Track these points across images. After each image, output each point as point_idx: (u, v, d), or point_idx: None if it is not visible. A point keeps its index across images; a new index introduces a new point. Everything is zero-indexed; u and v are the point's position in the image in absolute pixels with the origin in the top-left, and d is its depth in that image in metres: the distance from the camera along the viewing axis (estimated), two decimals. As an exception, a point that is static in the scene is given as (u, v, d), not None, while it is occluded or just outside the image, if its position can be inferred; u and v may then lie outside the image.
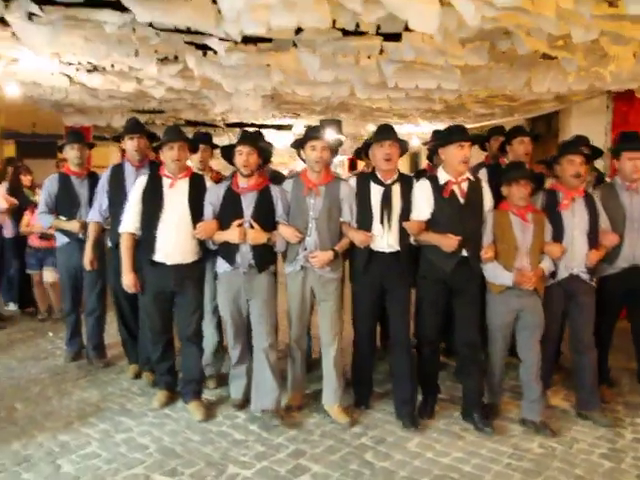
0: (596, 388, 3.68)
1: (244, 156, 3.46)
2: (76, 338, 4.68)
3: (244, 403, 3.72)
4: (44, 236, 5.51)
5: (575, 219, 3.61)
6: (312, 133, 3.57)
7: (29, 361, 4.62)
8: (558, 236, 3.58)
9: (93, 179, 4.41)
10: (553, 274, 3.60)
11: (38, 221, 4.85)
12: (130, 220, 3.64)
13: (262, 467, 3.04)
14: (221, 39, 4.02)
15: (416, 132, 11.25)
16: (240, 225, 3.46)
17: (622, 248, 3.74)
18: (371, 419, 3.63)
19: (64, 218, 4.40)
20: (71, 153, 4.49)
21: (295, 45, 4.43)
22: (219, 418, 3.63)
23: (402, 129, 10.20)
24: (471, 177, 3.56)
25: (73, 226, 4.35)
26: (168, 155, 3.58)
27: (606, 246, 3.67)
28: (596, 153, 3.99)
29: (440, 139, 3.78)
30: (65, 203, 4.43)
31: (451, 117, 9.09)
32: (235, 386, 3.81)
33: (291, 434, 3.41)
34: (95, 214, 4.13)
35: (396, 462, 3.11)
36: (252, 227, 3.48)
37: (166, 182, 3.62)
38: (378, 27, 3.93)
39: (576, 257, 3.58)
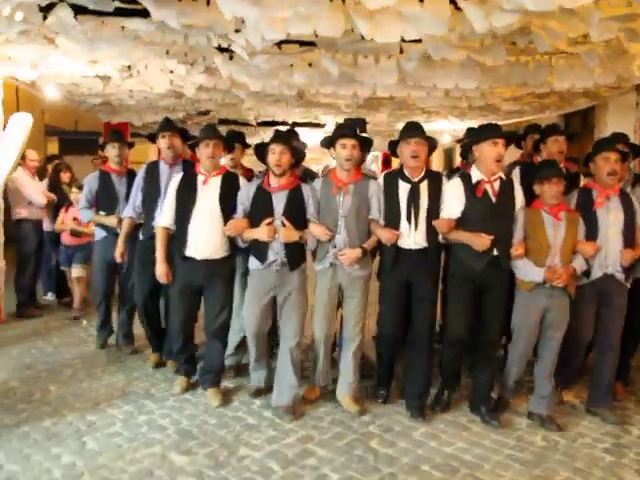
0: (611, 388, 3.68)
1: (277, 155, 3.51)
2: (106, 326, 4.94)
3: (263, 390, 3.87)
4: (74, 233, 5.78)
5: (610, 218, 3.55)
6: (342, 131, 3.61)
7: (63, 347, 4.92)
8: (592, 235, 3.54)
9: (131, 176, 4.60)
10: (587, 273, 3.56)
11: (80, 215, 5.13)
12: (165, 215, 3.80)
13: (271, 450, 3.21)
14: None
15: (448, 129, 11.26)
16: (270, 223, 3.51)
17: None
18: (380, 408, 3.75)
19: (103, 213, 4.65)
20: (112, 152, 4.72)
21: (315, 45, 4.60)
22: (235, 404, 3.81)
23: (433, 126, 10.24)
24: (503, 176, 3.55)
25: (111, 221, 4.57)
26: (203, 152, 3.68)
27: None
28: (636, 151, 3.97)
29: (473, 136, 3.84)
30: (105, 199, 4.67)
31: (482, 115, 9.07)
32: (256, 375, 3.93)
33: (302, 421, 3.56)
34: (129, 210, 4.32)
35: (400, 449, 3.24)
36: (284, 225, 3.53)
37: (200, 179, 3.72)
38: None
39: (611, 256, 3.54)
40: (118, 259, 4.43)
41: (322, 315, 3.70)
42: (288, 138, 3.66)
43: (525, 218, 3.52)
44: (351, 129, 3.66)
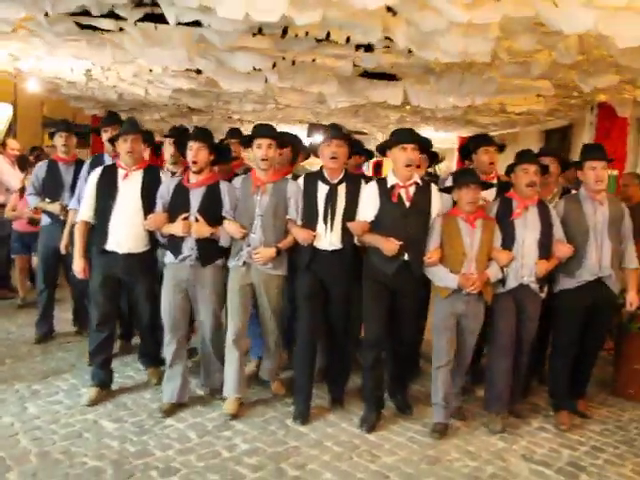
0: (504, 393, 3.67)
1: (193, 152, 3.53)
2: (46, 319, 4.93)
3: (174, 409, 3.64)
4: (32, 221, 5.43)
5: (527, 228, 3.62)
6: (257, 131, 3.65)
7: (26, 327, 5.14)
8: (508, 244, 3.60)
9: (79, 165, 4.62)
10: (503, 282, 3.62)
11: (27, 201, 5.10)
12: (85, 209, 3.80)
13: (194, 422, 3.53)
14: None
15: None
16: (185, 219, 3.55)
17: (585, 260, 3.68)
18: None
19: (49, 200, 4.74)
20: (59, 141, 4.80)
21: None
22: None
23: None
24: (419, 181, 3.58)
25: (55, 208, 4.66)
26: (122, 147, 3.70)
27: (559, 257, 3.65)
28: (564, 165, 4.12)
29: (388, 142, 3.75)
30: (50, 187, 4.75)
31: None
32: (168, 388, 3.70)
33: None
34: (75, 202, 4.28)
35: (311, 427, 3.54)
36: (197, 221, 3.57)
37: (121, 173, 3.74)
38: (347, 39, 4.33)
39: (526, 266, 3.59)
40: (63, 251, 4.47)
41: (234, 312, 3.69)
42: (206, 136, 3.65)
43: (442, 225, 3.55)
44: (268, 129, 3.68)
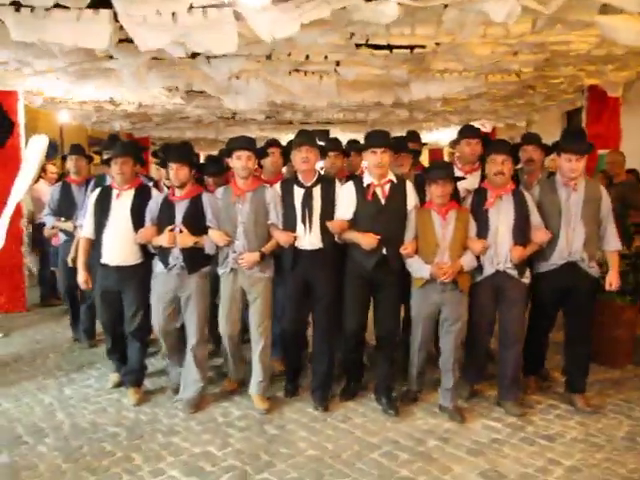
0: (516, 381, 3.83)
1: (174, 171, 3.81)
2: (76, 319, 5.51)
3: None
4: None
5: (500, 216, 3.69)
6: (234, 144, 3.83)
7: (70, 328, 5.83)
8: (483, 233, 3.70)
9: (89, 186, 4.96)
10: (481, 270, 3.72)
11: (45, 221, 5.51)
12: (86, 226, 4.13)
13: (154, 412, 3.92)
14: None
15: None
16: (171, 230, 3.79)
17: (557, 244, 3.74)
18: (291, 404, 4.03)
19: (63, 219, 5.19)
20: (70, 163, 5.33)
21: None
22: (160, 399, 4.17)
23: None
24: (394, 179, 3.74)
25: (68, 226, 5.11)
26: (113, 169, 4.00)
27: (536, 243, 3.72)
28: (548, 150, 4.12)
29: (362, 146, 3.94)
30: (64, 206, 5.23)
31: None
32: (173, 372, 4.22)
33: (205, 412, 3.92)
34: (81, 219, 4.54)
35: (299, 397, 4.07)
36: (181, 232, 3.80)
37: (114, 193, 4.04)
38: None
39: (501, 253, 3.67)
40: (69, 263, 4.86)
41: (225, 317, 3.91)
42: (182, 155, 3.88)
43: (416, 218, 3.72)
44: (246, 141, 3.87)
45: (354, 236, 3.69)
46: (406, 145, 4.35)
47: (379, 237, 3.62)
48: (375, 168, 3.69)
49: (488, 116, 9.81)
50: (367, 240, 3.62)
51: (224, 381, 4.31)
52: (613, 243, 3.83)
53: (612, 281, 3.82)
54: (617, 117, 7.05)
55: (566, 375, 4.02)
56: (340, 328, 3.96)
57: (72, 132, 9.80)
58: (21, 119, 6.77)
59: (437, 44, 4.73)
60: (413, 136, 4.95)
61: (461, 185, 3.93)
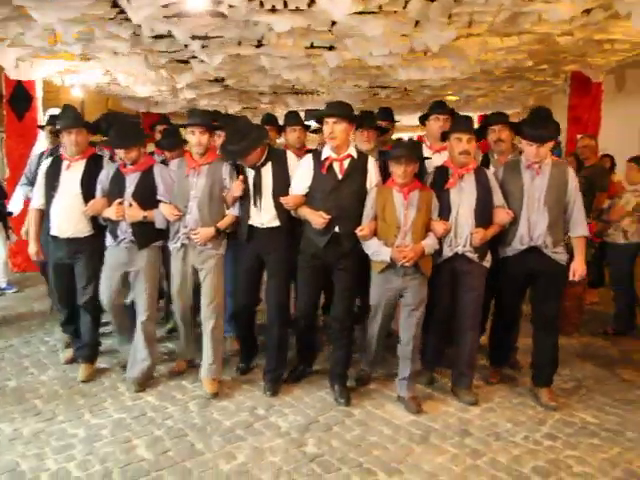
0: (470, 367, 3.74)
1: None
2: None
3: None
4: None
5: (462, 196, 3.54)
6: (189, 120, 3.75)
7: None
8: (444, 214, 3.55)
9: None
10: (440, 252, 3.57)
11: None
12: (36, 197, 4.05)
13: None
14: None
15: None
16: (120, 203, 3.70)
17: (518, 228, 3.58)
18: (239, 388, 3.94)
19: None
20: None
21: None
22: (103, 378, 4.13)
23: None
24: (354, 154, 3.60)
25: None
26: (66, 140, 3.86)
27: (498, 224, 3.57)
28: (516, 128, 3.83)
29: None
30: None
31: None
32: (123, 349, 4.14)
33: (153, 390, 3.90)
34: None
35: (219, 411, 3.61)
36: (131, 205, 3.71)
37: (64, 164, 3.91)
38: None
39: (461, 235, 3.53)
40: (23, 237, 4.75)
41: (176, 293, 3.87)
42: (131, 137, 3.74)
43: (376, 196, 3.51)
44: (200, 115, 3.79)
45: (305, 212, 3.58)
46: (371, 121, 4.23)
47: (329, 217, 3.48)
48: (327, 140, 3.58)
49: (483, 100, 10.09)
50: (317, 219, 3.50)
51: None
52: (579, 229, 3.62)
53: (576, 269, 3.62)
54: (598, 103, 7.30)
55: (532, 369, 3.85)
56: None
57: (92, 105, 10.32)
58: (39, 93, 7.34)
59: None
60: (384, 113, 4.75)
61: (431, 164, 3.84)
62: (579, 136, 6.90)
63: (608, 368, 4.36)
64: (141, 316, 3.84)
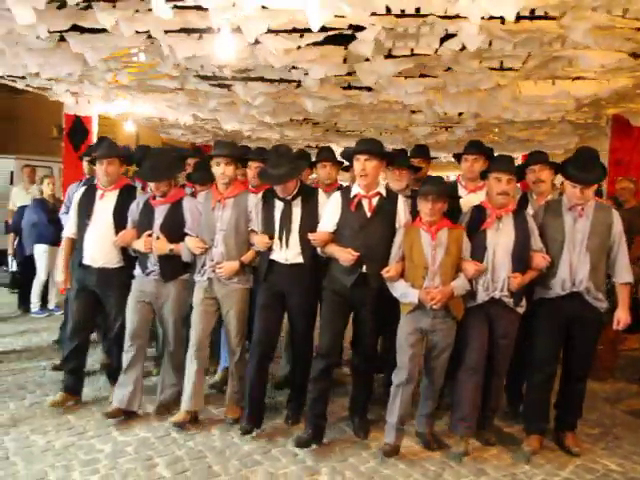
0: (492, 411, 3.69)
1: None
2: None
3: (119, 413, 3.82)
4: None
5: (500, 238, 3.43)
6: (214, 152, 3.81)
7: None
8: (479, 255, 3.43)
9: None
10: (474, 296, 3.45)
11: None
12: (69, 226, 4.10)
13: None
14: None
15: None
16: (149, 236, 3.74)
17: (558, 272, 3.45)
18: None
19: None
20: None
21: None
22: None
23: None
24: (383, 193, 3.55)
25: None
26: (99, 170, 3.94)
27: (535, 269, 3.46)
28: (557, 168, 3.81)
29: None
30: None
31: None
32: (120, 393, 3.84)
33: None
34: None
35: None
36: (159, 238, 3.74)
37: (98, 193, 3.97)
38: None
39: (497, 279, 3.41)
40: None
41: (195, 325, 3.79)
42: (162, 171, 3.79)
43: (404, 236, 3.43)
44: (227, 147, 3.79)
45: (334, 250, 3.51)
46: (404, 159, 4.17)
47: (358, 254, 3.41)
48: (358, 177, 3.54)
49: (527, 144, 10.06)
50: (345, 256, 3.42)
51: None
52: (625, 275, 3.48)
53: (621, 318, 3.47)
54: (640, 145, 7.26)
55: (557, 410, 3.73)
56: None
57: (147, 139, 10.92)
58: (94, 127, 7.86)
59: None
60: (418, 151, 4.63)
61: (465, 205, 3.80)
62: (619, 179, 6.82)
63: (640, 416, 4.25)
64: (169, 346, 3.94)
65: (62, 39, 4.25)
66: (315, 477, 3.25)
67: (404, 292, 3.38)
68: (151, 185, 3.87)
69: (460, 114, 6.82)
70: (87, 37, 4.17)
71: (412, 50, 4.48)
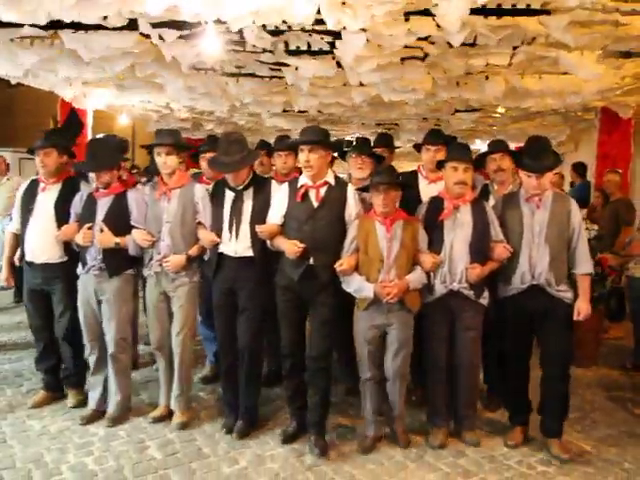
0: (470, 408, 3.59)
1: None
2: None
3: (97, 415, 3.75)
4: None
5: (457, 229, 3.36)
6: (156, 141, 3.62)
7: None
8: (436, 246, 3.36)
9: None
10: (432, 289, 3.39)
11: None
12: (14, 221, 3.96)
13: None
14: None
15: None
16: (90, 228, 3.53)
17: (518, 265, 3.36)
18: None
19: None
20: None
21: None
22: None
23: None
24: (332, 182, 3.41)
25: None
26: (37, 162, 3.75)
27: (496, 260, 3.38)
28: (516, 157, 3.65)
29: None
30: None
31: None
32: (91, 396, 3.80)
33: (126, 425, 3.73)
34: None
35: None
36: (102, 231, 3.53)
37: (40, 186, 3.80)
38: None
39: (455, 271, 3.32)
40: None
41: (151, 322, 3.71)
42: (103, 160, 3.61)
43: (358, 228, 3.31)
44: (165, 136, 3.63)
45: (280, 242, 3.36)
46: (366, 148, 4.04)
47: (304, 245, 3.25)
48: (303, 168, 3.41)
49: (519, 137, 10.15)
50: (290, 248, 3.26)
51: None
52: (584, 266, 3.39)
53: (581, 309, 3.36)
54: (628, 139, 7.34)
55: (540, 416, 3.54)
56: (270, 345, 3.96)
57: (144, 131, 10.90)
58: (89, 120, 7.91)
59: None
60: (381, 140, 4.51)
61: (426, 195, 3.73)
62: (606, 171, 6.95)
63: (619, 401, 4.38)
64: (110, 349, 3.66)
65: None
66: (301, 458, 3.37)
67: (359, 286, 3.28)
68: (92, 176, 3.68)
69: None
70: (81, 36, 4.26)
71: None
